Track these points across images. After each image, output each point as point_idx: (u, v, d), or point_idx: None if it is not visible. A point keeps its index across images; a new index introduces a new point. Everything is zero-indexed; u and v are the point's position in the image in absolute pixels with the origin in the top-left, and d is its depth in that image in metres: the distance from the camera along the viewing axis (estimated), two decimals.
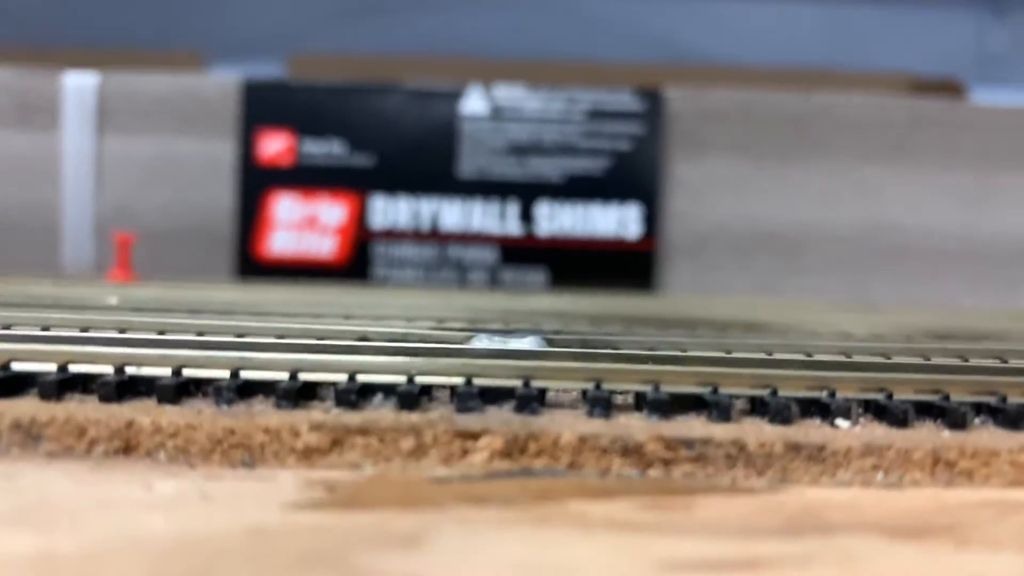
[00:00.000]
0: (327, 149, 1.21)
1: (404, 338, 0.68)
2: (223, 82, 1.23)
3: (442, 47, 1.49)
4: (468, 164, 1.21)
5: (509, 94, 1.21)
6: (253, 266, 1.21)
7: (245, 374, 0.54)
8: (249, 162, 1.21)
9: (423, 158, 1.21)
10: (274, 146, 1.21)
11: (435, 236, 1.21)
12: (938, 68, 1.50)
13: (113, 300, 0.86)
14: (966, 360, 0.66)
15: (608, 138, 1.20)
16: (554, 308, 0.92)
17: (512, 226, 1.21)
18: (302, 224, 1.21)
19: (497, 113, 1.21)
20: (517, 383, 0.54)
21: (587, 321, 0.83)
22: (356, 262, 1.21)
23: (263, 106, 1.21)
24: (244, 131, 1.21)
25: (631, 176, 1.20)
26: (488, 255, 1.21)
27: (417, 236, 1.21)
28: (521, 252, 1.21)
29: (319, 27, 1.54)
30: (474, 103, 1.21)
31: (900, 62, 1.52)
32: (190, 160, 1.22)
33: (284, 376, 0.54)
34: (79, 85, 1.22)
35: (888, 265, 1.21)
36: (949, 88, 1.41)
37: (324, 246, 1.21)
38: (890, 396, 0.54)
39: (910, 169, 1.21)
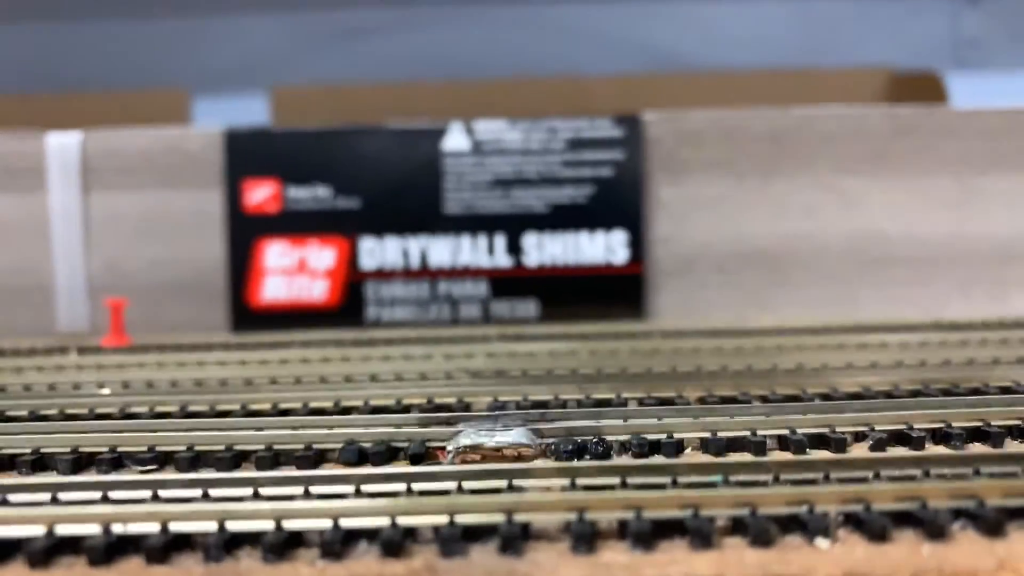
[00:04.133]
0: (313, 194, 1.21)
1: (392, 439, 0.70)
2: (206, 133, 1.23)
3: (424, 67, 1.49)
4: (453, 200, 1.21)
5: (489, 128, 1.21)
6: (247, 314, 1.22)
7: (231, 525, 0.55)
8: (237, 211, 1.21)
9: (409, 197, 1.21)
10: (260, 194, 1.21)
11: (425, 273, 1.21)
12: (914, 56, 1.50)
13: (105, 391, 0.87)
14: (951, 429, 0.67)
15: (590, 166, 1.21)
16: (546, 361, 0.93)
17: (501, 259, 1.21)
18: (293, 269, 1.21)
19: (479, 147, 1.21)
20: (500, 518, 0.54)
21: (576, 387, 0.83)
22: (349, 303, 1.22)
23: (246, 155, 1.22)
24: (230, 181, 1.21)
25: (615, 202, 1.21)
26: (479, 288, 1.21)
27: (407, 274, 1.21)
28: (511, 284, 1.22)
29: (301, 57, 1.54)
30: (455, 139, 1.21)
31: (877, 52, 1.52)
32: (178, 213, 1.22)
33: (270, 526, 0.55)
34: (62, 144, 1.22)
35: (874, 274, 1.21)
36: (928, 82, 1.41)
37: (316, 289, 1.22)
38: (868, 508, 0.54)
39: (892, 177, 1.21)
